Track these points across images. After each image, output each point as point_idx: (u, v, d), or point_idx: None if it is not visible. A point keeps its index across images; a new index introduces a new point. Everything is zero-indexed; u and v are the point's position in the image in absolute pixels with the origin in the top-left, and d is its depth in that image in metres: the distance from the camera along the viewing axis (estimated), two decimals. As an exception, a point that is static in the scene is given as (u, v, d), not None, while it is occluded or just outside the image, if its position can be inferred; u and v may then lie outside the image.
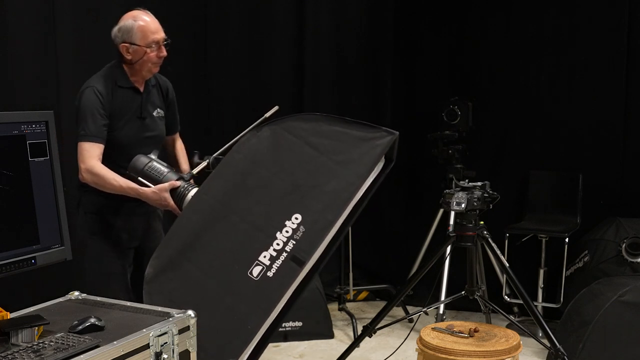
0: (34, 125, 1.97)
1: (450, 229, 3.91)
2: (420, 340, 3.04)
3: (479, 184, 3.44)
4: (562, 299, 4.27)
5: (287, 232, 2.48)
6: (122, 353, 1.80)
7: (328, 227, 2.52)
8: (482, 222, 3.42)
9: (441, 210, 4.64)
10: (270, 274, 2.43)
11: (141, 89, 2.92)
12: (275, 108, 2.95)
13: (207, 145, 3.28)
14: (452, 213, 4.07)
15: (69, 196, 2.56)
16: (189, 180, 2.75)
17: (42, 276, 2.58)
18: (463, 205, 3.29)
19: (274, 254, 2.45)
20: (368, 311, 4.93)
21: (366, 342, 3.63)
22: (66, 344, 1.77)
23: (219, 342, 2.34)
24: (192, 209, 2.57)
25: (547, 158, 4.72)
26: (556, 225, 4.44)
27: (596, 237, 4.27)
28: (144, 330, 1.91)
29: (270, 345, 4.17)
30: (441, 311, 4.18)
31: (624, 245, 4.08)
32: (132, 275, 2.96)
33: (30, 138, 1.96)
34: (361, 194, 2.64)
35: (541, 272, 4.37)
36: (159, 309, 2.11)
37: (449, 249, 3.58)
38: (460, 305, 4.60)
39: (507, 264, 3.37)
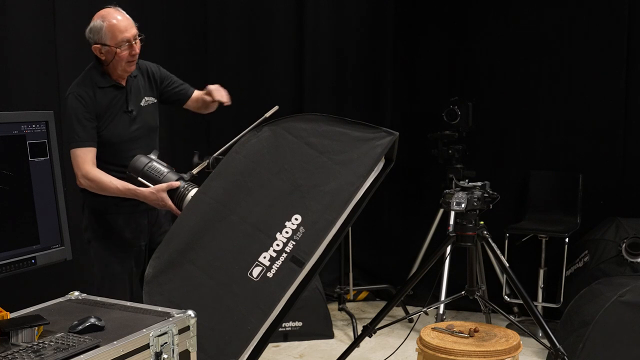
0: (34, 125, 1.97)
1: (450, 229, 3.91)
2: (420, 340, 3.04)
3: (479, 184, 3.44)
4: (562, 299, 4.27)
5: (287, 232, 2.48)
6: (122, 353, 1.80)
7: (328, 227, 2.52)
8: (482, 222, 3.42)
9: (441, 210, 4.65)
10: (270, 274, 2.43)
11: (123, 84, 2.90)
12: (275, 108, 2.95)
13: (207, 145, 3.28)
14: (452, 213, 4.07)
15: (72, 197, 2.57)
16: (188, 180, 2.75)
17: (42, 276, 2.59)
18: (463, 205, 3.29)
19: (274, 254, 2.45)
20: (368, 311, 4.93)
21: (366, 342, 3.63)
22: (66, 344, 1.77)
23: (218, 343, 2.34)
24: (192, 210, 2.56)
25: (547, 158, 4.72)
26: (556, 225, 4.44)
27: (596, 237, 4.27)
28: (144, 330, 1.91)
29: (270, 345, 4.17)
30: (441, 311, 4.18)
31: (624, 245, 4.08)
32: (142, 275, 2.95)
33: (30, 138, 1.96)
34: (361, 194, 2.64)
35: (541, 272, 4.37)
36: (159, 309, 2.11)
37: (449, 249, 3.59)
38: (460, 305, 4.60)
39: (507, 264, 3.37)
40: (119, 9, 2.85)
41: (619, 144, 4.50)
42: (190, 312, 2.06)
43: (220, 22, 4.85)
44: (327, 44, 5.13)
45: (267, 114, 2.97)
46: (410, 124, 5.08)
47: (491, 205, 3.40)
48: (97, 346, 1.78)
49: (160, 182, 2.72)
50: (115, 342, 1.81)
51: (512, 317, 3.66)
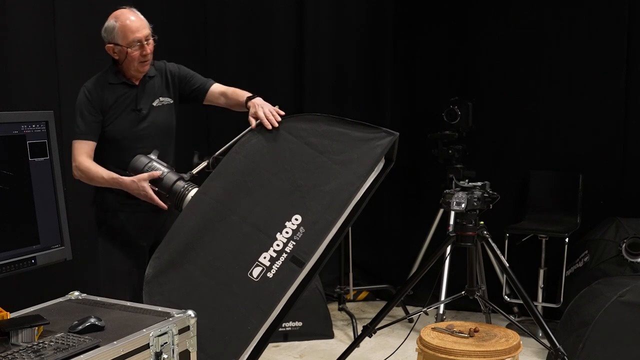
0: (34, 125, 1.97)
1: (450, 229, 3.91)
2: (420, 340, 3.04)
3: (479, 184, 3.44)
4: (562, 299, 4.27)
5: (287, 233, 2.48)
6: (122, 353, 1.80)
7: (328, 227, 2.52)
8: (482, 222, 3.42)
9: (441, 210, 4.65)
10: (270, 274, 2.43)
11: (136, 83, 2.92)
12: (275, 107, 2.95)
13: (207, 145, 3.28)
14: (452, 213, 4.07)
15: (72, 197, 2.57)
16: (188, 180, 2.75)
17: (42, 276, 2.58)
18: (463, 205, 3.29)
19: (274, 254, 2.45)
20: (368, 311, 4.93)
21: (366, 342, 3.63)
22: (66, 344, 1.77)
23: (218, 343, 2.34)
24: (192, 210, 2.56)
25: (547, 158, 4.72)
26: (556, 225, 4.44)
27: (596, 237, 4.27)
28: (144, 330, 1.90)
29: (270, 345, 4.17)
30: (441, 311, 4.17)
31: (624, 245, 4.08)
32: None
33: (30, 138, 1.95)
34: (361, 194, 2.64)
35: (541, 272, 4.37)
36: (159, 309, 2.11)
37: (449, 249, 3.59)
38: (460, 305, 4.60)
39: (507, 264, 3.37)
40: (134, 9, 2.88)
41: (619, 144, 4.50)
42: (190, 312, 2.06)
43: (220, 22, 4.85)
44: (327, 44, 5.13)
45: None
46: (410, 124, 5.08)
47: (491, 205, 3.40)
48: (97, 346, 1.78)
49: (160, 182, 2.72)
50: (115, 342, 1.81)
51: (512, 317, 3.66)
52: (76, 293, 2.28)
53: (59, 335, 1.84)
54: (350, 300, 5.06)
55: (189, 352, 2.04)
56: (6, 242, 1.88)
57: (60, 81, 3.61)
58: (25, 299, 2.22)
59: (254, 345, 2.44)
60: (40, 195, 1.97)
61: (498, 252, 3.39)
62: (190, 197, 2.64)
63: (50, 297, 2.23)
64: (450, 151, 4.66)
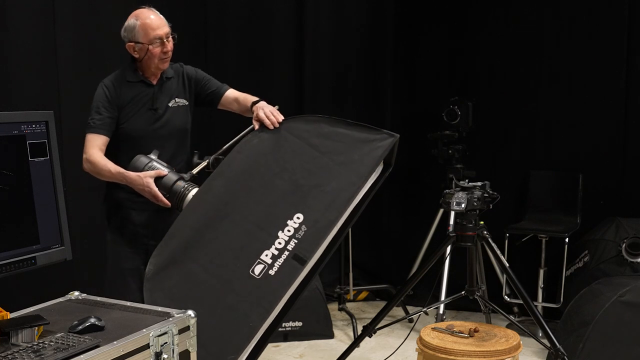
0: (34, 125, 1.97)
1: (450, 229, 3.91)
2: (420, 340, 3.04)
3: (479, 184, 3.44)
4: (562, 299, 4.27)
5: (289, 231, 2.49)
6: (122, 353, 1.80)
7: (330, 226, 2.53)
8: (482, 222, 3.42)
9: (441, 210, 4.65)
10: (272, 272, 2.44)
11: (154, 82, 2.94)
12: (275, 107, 2.96)
13: (207, 145, 3.28)
14: (452, 213, 4.07)
15: (72, 197, 2.57)
16: (188, 180, 2.75)
17: (42, 276, 2.58)
18: (463, 205, 3.29)
19: (276, 252, 2.46)
20: (368, 311, 4.93)
21: (366, 342, 3.63)
22: (66, 344, 1.77)
23: (220, 339, 2.33)
24: (194, 208, 2.57)
25: (547, 158, 4.72)
26: (556, 225, 4.44)
27: (596, 237, 4.27)
28: (144, 330, 1.90)
29: (270, 345, 4.17)
30: (441, 311, 4.17)
31: (624, 245, 4.08)
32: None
33: (30, 138, 1.95)
34: (363, 193, 2.65)
35: (541, 272, 4.37)
36: (159, 309, 2.11)
37: (449, 249, 3.59)
38: (460, 305, 4.60)
39: (507, 264, 3.37)
40: (153, 9, 2.92)
41: (619, 144, 4.51)
42: (190, 312, 2.06)
43: (220, 22, 4.85)
44: (327, 44, 5.13)
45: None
46: (410, 124, 5.08)
47: (491, 205, 3.40)
48: (97, 346, 1.78)
49: (160, 181, 2.73)
50: (115, 342, 1.81)
51: (512, 317, 3.66)
52: (76, 293, 2.28)
53: (59, 335, 1.84)
54: (350, 300, 5.06)
55: (189, 352, 2.04)
56: (6, 242, 1.88)
57: (60, 81, 3.61)
58: (25, 299, 2.22)
59: (255, 343, 2.44)
60: (40, 195, 1.97)
61: (498, 252, 3.39)
62: (191, 197, 2.65)
63: (50, 297, 2.23)
64: (450, 151, 4.66)
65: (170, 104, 2.97)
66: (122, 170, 2.78)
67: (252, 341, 2.39)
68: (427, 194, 4.90)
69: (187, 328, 2.03)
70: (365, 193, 2.66)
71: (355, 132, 2.62)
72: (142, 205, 2.88)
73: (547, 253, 4.38)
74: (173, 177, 2.73)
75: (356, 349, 3.64)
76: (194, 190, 2.66)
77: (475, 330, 3.05)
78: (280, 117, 2.76)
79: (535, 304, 4.23)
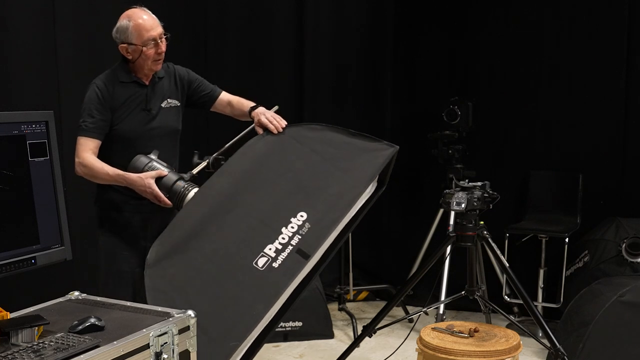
0: (34, 125, 1.97)
1: (450, 229, 3.91)
2: (420, 340, 3.04)
3: (479, 184, 3.44)
4: (562, 299, 4.27)
5: (292, 227, 2.51)
6: (122, 353, 1.80)
7: (332, 225, 2.55)
8: (482, 222, 3.42)
9: (441, 210, 4.65)
10: (275, 264, 2.44)
11: (146, 83, 2.92)
12: (275, 108, 2.96)
13: (207, 145, 3.28)
14: (452, 213, 4.07)
15: (72, 197, 2.57)
16: (188, 180, 2.75)
17: (42, 276, 2.58)
18: (463, 205, 3.29)
19: (280, 247, 2.47)
20: (368, 311, 4.93)
21: (366, 342, 3.63)
22: (66, 344, 1.77)
23: (222, 326, 2.30)
24: (197, 202, 2.59)
25: (547, 158, 4.72)
26: (556, 225, 4.44)
27: (596, 237, 4.27)
28: (144, 330, 1.90)
29: (270, 345, 4.17)
30: (441, 311, 4.18)
31: (624, 245, 4.08)
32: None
33: (30, 138, 1.95)
34: (363, 200, 2.70)
35: (541, 272, 4.37)
36: (159, 309, 2.11)
37: (449, 249, 3.59)
38: (460, 305, 4.60)
39: (507, 264, 3.37)
40: (145, 8, 2.88)
41: (619, 144, 4.51)
42: (190, 312, 2.05)
43: (220, 22, 4.85)
44: (327, 44, 5.13)
45: (268, 114, 2.98)
46: (410, 124, 5.08)
47: (491, 205, 3.40)
48: (97, 346, 1.78)
49: (160, 181, 2.72)
50: (115, 342, 1.81)
51: (512, 317, 3.66)
52: (76, 293, 2.28)
53: (59, 335, 1.84)
54: (350, 300, 5.06)
55: (189, 352, 2.04)
56: (6, 242, 1.88)
57: (60, 81, 3.61)
58: (25, 299, 2.22)
59: (252, 341, 2.43)
60: (40, 195, 1.96)
61: (498, 252, 3.39)
62: (192, 196, 2.65)
63: (50, 297, 2.23)
64: (450, 151, 4.67)
65: (163, 105, 2.95)
66: (121, 172, 2.75)
67: (256, 329, 2.36)
68: (427, 194, 4.91)
69: (187, 328, 2.03)
70: (358, 211, 2.72)
71: (357, 141, 2.70)
72: (137, 206, 2.87)
73: (547, 253, 4.38)
74: (173, 177, 2.73)
75: (356, 349, 3.64)
76: (194, 190, 2.66)
77: (475, 330, 3.05)
78: (284, 122, 2.82)
79: (535, 304, 4.23)
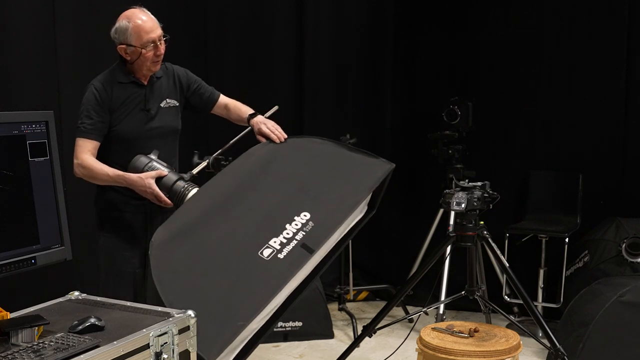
0: (34, 125, 1.97)
1: (450, 229, 3.91)
2: (420, 340, 3.04)
3: (479, 184, 3.44)
4: (562, 299, 4.27)
5: (296, 225, 2.54)
6: (122, 353, 1.80)
7: (335, 226, 2.59)
8: (482, 222, 3.43)
9: (441, 210, 4.65)
10: (280, 256, 2.45)
11: (145, 83, 2.92)
12: (275, 108, 2.97)
13: (207, 145, 3.28)
14: (452, 213, 4.07)
15: (72, 197, 2.57)
16: (188, 180, 2.75)
17: (42, 276, 2.58)
18: (463, 205, 3.29)
19: (285, 241, 2.49)
20: (368, 311, 4.93)
21: (366, 342, 3.63)
22: (66, 344, 1.77)
23: (229, 306, 2.29)
24: (202, 196, 2.60)
25: (547, 158, 4.72)
26: (556, 225, 4.44)
27: (596, 237, 4.27)
28: (144, 330, 1.90)
29: (270, 345, 4.17)
30: (441, 311, 4.18)
31: (624, 245, 4.08)
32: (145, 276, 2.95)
33: (30, 138, 1.95)
34: (357, 217, 2.81)
35: (541, 272, 4.37)
36: (159, 309, 2.11)
37: (449, 249, 3.59)
38: (460, 305, 4.60)
39: (507, 264, 3.37)
40: (144, 9, 2.86)
41: (619, 144, 4.51)
42: (190, 312, 2.06)
43: (220, 23, 4.84)
44: (327, 44, 5.13)
45: (267, 114, 2.99)
46: (410, 124, 5.08)
47: (491, 205, 3.40)
48: (97, 346, 1.78)
49: (160, 181, 2.72)
50: (115, 342, 1.81)
51: (512, 317, 3.66)
52: (76, 293, 2.28)
53: (59, 335, 1.84)
54: (350, 300, 5.06)
55: (189, 352, 2.04)
56: (6, 242, 1.88)
57: (60, 81, 3.61)
58: (25, 299, 2.22)
59: (248, 340, 2.42)
60: (40, 195, 1.97)
61: (498, 252, 3.40)
62: (192, 195, 2.65)
63: (50, 297, 2.23)
64: (450, 151, 4.67)
65: (162, 105, 2.95)
66: (120, 172, 2.75)
67: (262, 313, 2.35)
68: (427, 194, 4.91)
69: (187, 328, 2.03)
70: (349, 230, 2.80)
71: (357, 155, 2.81)
72: (138, 207, 2.87)
73: (547, 253, 4.38)
74: (173, 177, 2.73)
75: (356, 349, 3.64)
76: (194, 190, 2.67)
77: (475, 330, 3.05)
78: (285, 134, 2.88)
79: (535, 304, 4.23)
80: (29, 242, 1.94)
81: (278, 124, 2.96)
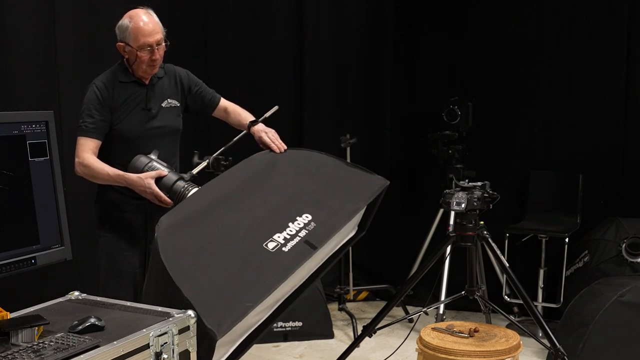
0: (34, 125, 1.97)
1: (450, 229, 3.91)
2: (420, 340, 3.04)
3: (479, 184, 3.44)
4: (562, 299, 4.27)
5: (299, 224, 2.55)
6: (122, 353, 1.80)
7: (336, 228, 2.60)
8: (482, 222, 3.42)
9: (441, 210, 4.65)
10: (285, 249, 2.46)
11: (146, 82, 2.92)
12: (275, 108, 2.97)
13: (207, 145, 3.28)
14: (452, 213, 4.07)
15: (72, 197, 2.57)
16: (188, 180, 2.75)
17: (42, 276, 2.58)
18: (463, 205, 3.29)
19: (288, 236, 2.50)
20: (368, 311, 4.93)
21: (366, 342, 3.63)
22: (66, 344, 1.77)
23: (235, 285, 2.28)
24: (205, 191, 2.60)
25: (547, 158, 4.72)
26: (556, 225, 4.44)
27: (596, 237, 4.27)
28: (144, 330, 1.91)
29: (270, 345, 4.17)
30: (441, 311, 4.17)
31: (624, 245, 4.08)
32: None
33: (30, 138, 1.95)
34: (349, 235, 2.87)
35: (541, 272, 4.37)
36: (159, 309, 2.11)
37: (449, 249, 3.59)
38: (460, 305, 4.60)
39: (507, 264, 3.37)
40: (150, 11, 2.85)
41: (619, 144, 4.51)
42: (190, 312, 2.06)
43: (220, 22, 4.85)
44: (327, 44, 5.13)
45: (267, 114, 2.99)
46: (410, 124, 5.08)
47: (491, 205, 3.40)
48: (97, 346, 1.78)
49: (160, 181, 2.72)
50: (115, 342, 1.81)
51: (512, 317, 3.66)
52: (76, 293, 2.28)
53: (59, 335, 1.84)
54: (350, 300, 5.06)
55: (189, 352, 2.04)
56: (6, 242, 1.88)
57: (60, 81, 3.61)
58: (25, 299, 2.22)
59: (244, 338, 2.42)
60: (40, 195, 1.97)
61: (498, 252, 3.39)
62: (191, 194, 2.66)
63: (50, 297, 2.23)
64: (450, 151, 4.67)
65: (163, 105, 2.95)
66: (121, 172, 2.75)
67: (268, 299, 2.35)
68: (427, 194, 4.90)
69: (187, 328, 2.03)
70: (339, 249, 2.85)
71: (354, 169, 2.89)
72: (139, 206, 2.87)
73: (547, 253, 4.38)
74: (173, 177, 2.73)
75: (356, 349, 3.64)
76: (194, 190, 2.67)
77: (475, 330, 3.05)
78: (284, 145, 2.92)
79: (535, 304, 4.23)
80: (29, 242, 1.95)
81: (278, 124, 2.97)
